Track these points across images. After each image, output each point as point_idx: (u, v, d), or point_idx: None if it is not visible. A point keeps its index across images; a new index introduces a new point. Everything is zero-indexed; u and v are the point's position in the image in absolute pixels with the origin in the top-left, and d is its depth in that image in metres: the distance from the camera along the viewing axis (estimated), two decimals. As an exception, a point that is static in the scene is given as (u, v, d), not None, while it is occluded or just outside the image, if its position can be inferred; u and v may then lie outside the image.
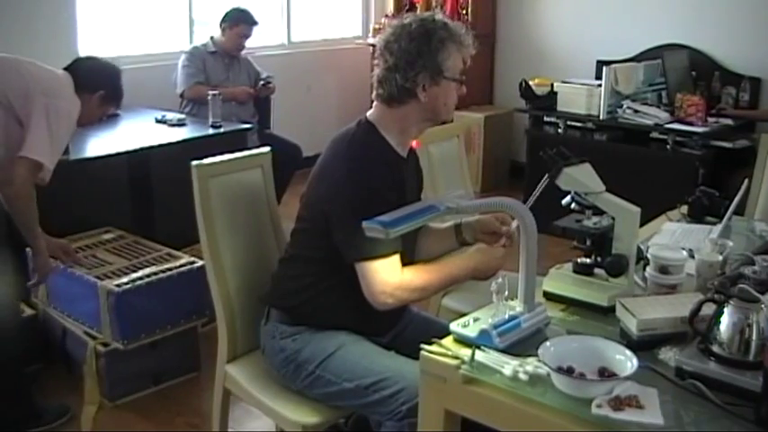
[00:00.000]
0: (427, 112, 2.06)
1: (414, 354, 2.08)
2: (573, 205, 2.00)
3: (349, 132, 2.08)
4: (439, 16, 2.05)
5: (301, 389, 2.10)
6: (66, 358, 3.18)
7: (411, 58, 1.98)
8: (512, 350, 1.67)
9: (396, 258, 1.96)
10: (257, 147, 2.54)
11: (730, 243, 2.15)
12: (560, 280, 1.98)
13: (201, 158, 2.25)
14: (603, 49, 5.50)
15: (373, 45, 6.23)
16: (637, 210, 1.93)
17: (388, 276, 1.95)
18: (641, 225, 2.02)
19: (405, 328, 2.23)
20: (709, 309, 1.63)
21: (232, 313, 2.26)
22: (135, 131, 4.12)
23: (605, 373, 1.56)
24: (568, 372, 1.54)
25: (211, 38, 4.89)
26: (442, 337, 1.75)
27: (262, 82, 5.00)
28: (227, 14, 4.84)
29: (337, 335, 2.08)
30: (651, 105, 4.78)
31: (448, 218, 2.12)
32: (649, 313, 1.72)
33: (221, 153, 2.34)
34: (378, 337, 2.14)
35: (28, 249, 3.26)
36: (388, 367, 1.99)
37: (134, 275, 3.04)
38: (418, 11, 6.22)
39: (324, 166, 2.07)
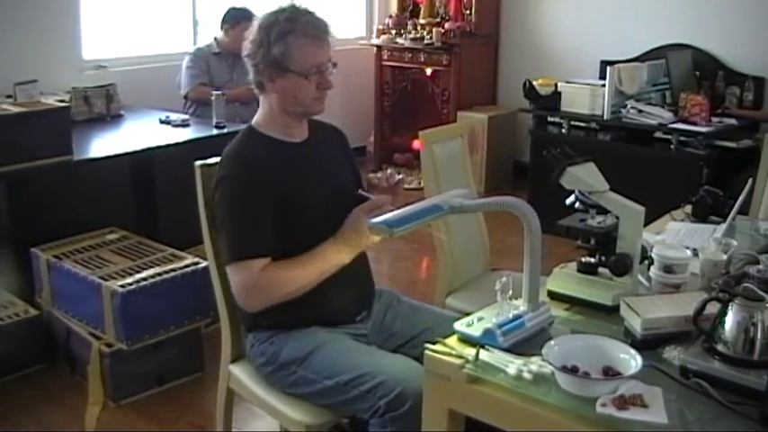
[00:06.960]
0: (283, 104, 2.08)
1: (402, 346, 2.07)
2: (577, 204, 2.00)
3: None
4: (295, 7, 2.05)
5: (286, 390, 2.08)
6: (70, 358, 3.19)
7: (255, 48, 2.03)
8: (516, 349, 1.67)
9: (256, 261, 1.96)
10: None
11: (734, 242, 2.15)
12: (564, 279, 1.98)
13: (205, 159, 2.25)
14: (607, 49, 5.49)
15: (377, 46, 6.25)
16: (641, 209, 1.92)
17: (243, 278, 1.97)
18: (645, 224, 2.01)
19: (393, 319, 2.20)
20: (713, 308, 1.63)
21: (235, 314, 2.26)
22: (139, 132, 4.12)
23: (609, 372, 1.56)
24: (573, 371, 1.54)
25: (215, 39, 4.90)
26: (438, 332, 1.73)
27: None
28: (225, 15, 4.85)
29: (315, 333, 2.07)
30: (655, 105, 4.78)
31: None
32: (654, 312, 1.72)
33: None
34: (353, 324, 2.13)
35: (32, 250, 3.28)
36: (366, 363, 1.96)
37: (138, 276, 3.05)
38: (421, 11, 6.22)
39: None
